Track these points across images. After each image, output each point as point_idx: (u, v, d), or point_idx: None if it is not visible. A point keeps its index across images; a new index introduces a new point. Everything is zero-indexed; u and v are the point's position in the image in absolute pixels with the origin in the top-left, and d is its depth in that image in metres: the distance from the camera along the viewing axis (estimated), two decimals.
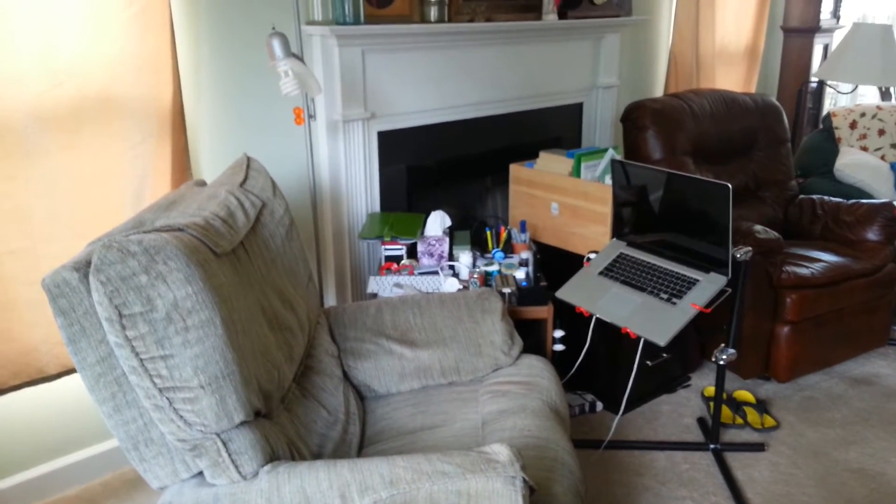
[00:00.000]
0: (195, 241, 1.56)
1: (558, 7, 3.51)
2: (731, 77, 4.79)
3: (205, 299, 1.46)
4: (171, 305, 1.43)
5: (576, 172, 2.94)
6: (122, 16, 2.21)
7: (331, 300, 3.05)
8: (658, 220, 2.38)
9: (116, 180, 2.32)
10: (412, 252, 2.83)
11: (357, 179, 2.96)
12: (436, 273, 2.68)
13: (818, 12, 4.99)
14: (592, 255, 2.57)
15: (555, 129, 3.78)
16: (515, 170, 3.17)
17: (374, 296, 2.59)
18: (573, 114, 3.86)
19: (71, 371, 2.36)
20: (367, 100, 2.90)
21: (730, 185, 2.08)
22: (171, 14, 2.33)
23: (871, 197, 3.81)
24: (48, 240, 2.22)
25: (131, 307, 1.41)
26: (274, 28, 2.20)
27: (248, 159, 2.17)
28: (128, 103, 2.29)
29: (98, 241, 1.63)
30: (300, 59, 2.37)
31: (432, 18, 3.06)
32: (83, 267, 1.45)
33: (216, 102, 2.59)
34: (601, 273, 2.45)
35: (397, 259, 2.78)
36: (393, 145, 3.06)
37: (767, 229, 3.04)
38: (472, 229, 3.08)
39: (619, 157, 3.03)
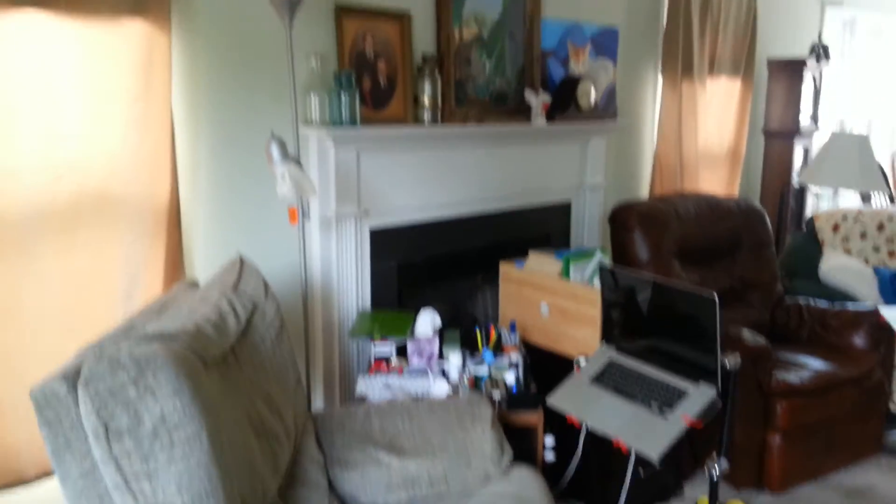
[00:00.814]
0: (185, 352, 1.54)
1: (547, 111, 3.63)
2: (714, 179, 4.92)
3: (192, 413, 1.43)
4: (159, 419, 1.40)
5: (565, 273, 2.97)
6: (126, 114, 2.26)
7: (318, 399, 3.00)
8: (647, 326, 2.39)
9: (109, 278, 2.32)
10: (402, 351, 2.81)
11: (348, 276, 2.97)
12: (425, 374, 2.66)
13: (797, 117, 5.19)
14: (582, 361, 2.56)
15: (544, 226, 3.84)
16: (505, 269, 3.20)
17: (363, 399, 2.55)
18: (562, 212, 3.93)
19: (50, 474, 2.28)
20: (360, 197, 2.95)
21: (716, 298, 2.10)
22: (172, 114, 2.39)
23: (855, 300, 3.86)
24: (36, 337, 2.19)
25: (118, 421, 1.38)
26: (273, 133, 2.26)
27: (242, 260, 2.18)
28: (125, 200, 2.32)
29: (88, 349, 1.61)
30: (297, 161, 2.42)
31: (426, 121, 3.15)
32: (72, 376, 1.43)
33: (212, 201, 2.62)
34: (591, 380, 2.44)
35: (387, 358, 2.76)
36: (384, 243, 3.09)
37: (755, 333, 3.05)
38: (462, 329, 3.07)
39: (606, 260, 3.07)
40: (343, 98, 2.75)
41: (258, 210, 2.74)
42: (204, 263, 2.63)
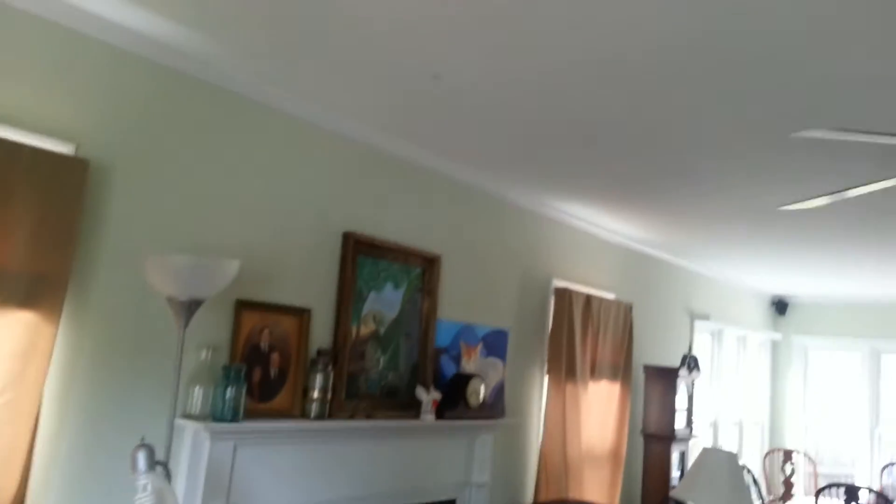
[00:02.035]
0: None
1: (436, 407, 3.68)
2: (597, 479, 4.98)
3: None
4: None
5: None
6: None
7: None
8: None
9: None
10: None
11: None
12: None
13: (673, 421, 5.46)
14: None
15: None
16: None
17: None
18: None
19: None
20: (231, 493, 2.79)
21: None
22: (40, 405, 2.28)
23: None
24: None
25: None
26: (143, 439, 2.18)
27: None
28: None
29: None
30: (165, 465, 2.30)
31: (312, 414, 3.12)
32: None
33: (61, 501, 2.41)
34: None
35: None
36: None
37: None
38: None
39: None
40: (229, 392, 2.72)
41: None
42: None
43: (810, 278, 6.85)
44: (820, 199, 3.03)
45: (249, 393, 2.88)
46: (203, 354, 2.76)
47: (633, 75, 2.58)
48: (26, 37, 2.32)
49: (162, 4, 2.32)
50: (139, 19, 2.43)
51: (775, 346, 8.31)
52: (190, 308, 2.38)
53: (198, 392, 2.73)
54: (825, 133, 2.33)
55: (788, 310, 8.26)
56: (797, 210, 3.45)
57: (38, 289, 2.24)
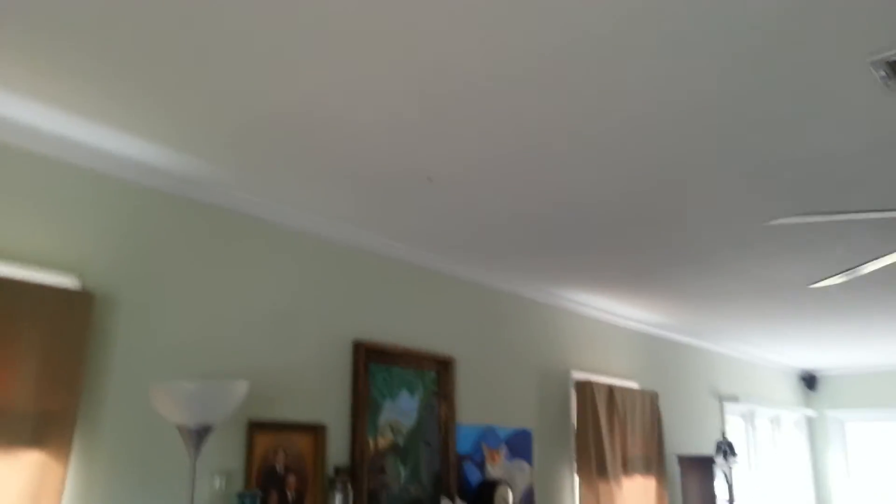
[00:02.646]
0: None
1: None
2: None
3: None
4: None
5: None
6: None
7: None
8: None
9: None
10: None
11: None
12: None
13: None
14: None
15: None
16: None
17: None
18: None
19: None
20: None
21: None
22: None
23: None
24: None
25: None
26: None
27: None
28: None
29: None
30: None
31: None
32: None
33: None
34: None
35: None
36: None
37: None
38: None
39: None
40: None
41: None
42: None
43: (837, 350, 6.67)
44: (838, 276, 3.00)
45: None
46: (217, 482, 2.67)
47: (639, 160, 2.62)
48: (21, 171, 2.37)
49: (151, 131, 2.38)
50: (130, 146, 2.49)
51: (810, 422, 8.00)
52: (200, 434, 2.31)
53: None
54: (798, 219, 2.34)
55: (819, 384, 8.01)
56: (809, 284, 3.41)
57: (46, 427, 2.20)
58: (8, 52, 1.91)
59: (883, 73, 1.99)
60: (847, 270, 2.92)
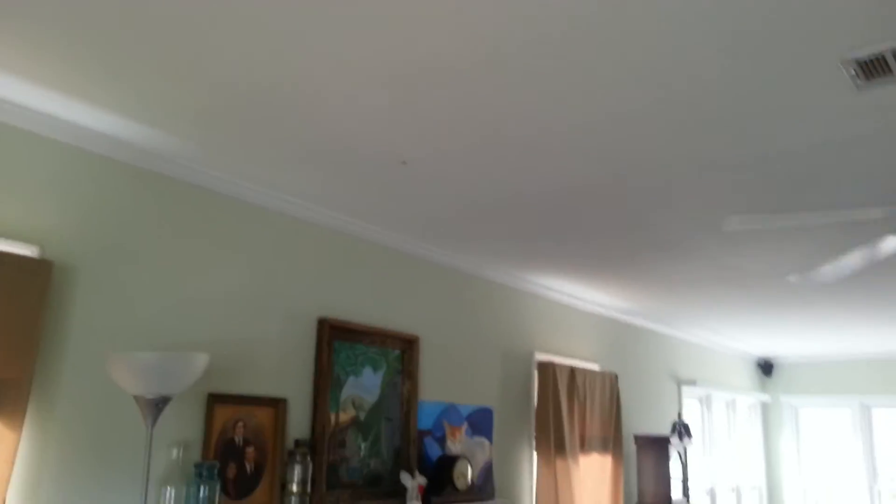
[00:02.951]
0: None
1: (423, 493, 3.55)
2: None
3: None
4: None
5: None
6: None
7: None
8: None
9: None
10: None
11: None
12: None
13: (668, 490, 5.31)
14: None
15: None
16: None
17: None
18: None
19: None
20: None
21: None
22: None
23: None
24: None
25: None
26: None
27: None
28: None
29: None
30: None
31: None
32: None
33: None
34: None
35: None
36: None
37: None
38: None
39: None
40: (202, 491, 2.61)
41: None
42: None
43: (794, 339, 6.84)
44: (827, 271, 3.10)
45: (224, 490, 2.77)
46: (174, 453, 2.65)
47: (611, 146, 2.62)
48: None
49: (117, 104, 2.32)
50: (98, 118, 2.43)
51: (765, 407, 8.21)
52: (157, 405, 2.29)
53: (169, 493, 2.61)
54: (748, 224, 2.39)
55: (774, 370, 8.21)
56: (773, 274, 3.47)
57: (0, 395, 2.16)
58: None
59: (853, 73, 2.01)
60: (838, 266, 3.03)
